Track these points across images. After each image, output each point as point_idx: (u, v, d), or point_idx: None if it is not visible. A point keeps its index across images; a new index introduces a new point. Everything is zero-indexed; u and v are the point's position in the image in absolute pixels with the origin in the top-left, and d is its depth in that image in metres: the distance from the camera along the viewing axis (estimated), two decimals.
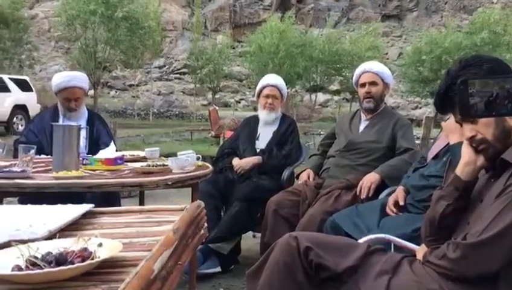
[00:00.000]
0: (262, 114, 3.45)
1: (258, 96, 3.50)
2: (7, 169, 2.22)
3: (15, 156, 2.68)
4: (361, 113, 3.11)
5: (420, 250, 1.68)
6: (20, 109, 14.43)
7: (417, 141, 6.16)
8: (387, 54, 36.19)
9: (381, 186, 2.71)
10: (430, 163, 2.37)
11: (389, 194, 2.49)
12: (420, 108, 28.58)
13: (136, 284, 0.79)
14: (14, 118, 14.32)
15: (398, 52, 37.16)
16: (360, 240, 1.89)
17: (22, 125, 13.92)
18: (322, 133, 14.63)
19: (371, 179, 2.73)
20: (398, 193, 2.39)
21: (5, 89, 14.21)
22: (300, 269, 1.50)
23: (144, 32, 22.63)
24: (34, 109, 14.10)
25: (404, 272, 1.49)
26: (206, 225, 1.39)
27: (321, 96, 29.95)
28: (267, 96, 3.42)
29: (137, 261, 0.92)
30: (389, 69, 3.26)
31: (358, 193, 2.73)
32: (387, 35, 39.57)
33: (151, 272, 0.85)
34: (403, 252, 1.74)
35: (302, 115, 25.86)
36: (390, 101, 29.42)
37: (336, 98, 31.12)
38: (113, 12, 21.22)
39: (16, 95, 14.37)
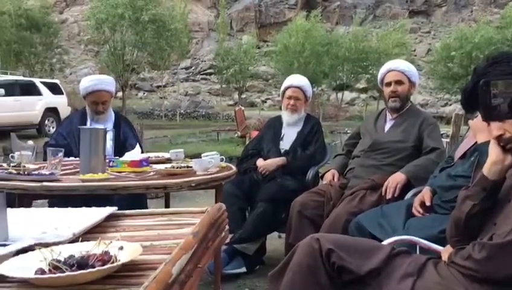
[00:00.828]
0: (285, 115, 3.45)
1: (282, 97, 3.49)
2: (36, 172, 2.28)
3: (45, 159, 2.74)
4: (387, 113, 3.07)
5: (445, 251, 1.65)
6: (51, 111, 14.78)
7: (446, 140, 6.05)
8: (415, 50, 35.59)
9: (407, 187, 2.67)
10: (457, 163, 2.33)
11: (415, 195, 2.45)
12: (450, 105, 27.99)
13: (154, 288, 0.80)
14: (46, 121, 14.68)
15: (426, 49, 36.48)
16: (385, 242, 1.87)
17: (53, 128, 14.25)
18: (348, 131, 14.48)
19: (396, 179, 2.69)
20: (425, 193, 2.35)
21: (37, 92, 14.58)
22: (322, 271, 1.49)
23: (171, 34, 22.88)
24: (64, 111, 14.41)
25: (429, 274, 1.46)
26: (227, 227, 1.39)
27: (348, 95, 29.68)
28: (290, 97, 3.41)
29: (157, 265, 0.93)
30: (417, 65, 3.21)
31: (383, 194, 2.69)
32: (415, 32, 38.91)
33: (170, 276, 0.86)
34: (429, 254, 1.71)
35: (329, 113, 25.69)
36: (419, 98, 28.96)
37: (362, 96, 30.77)
38: (140, 15, 21.53)
39: (47, 98, 14.72)
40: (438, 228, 2.02)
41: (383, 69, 3.04)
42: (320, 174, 3.26)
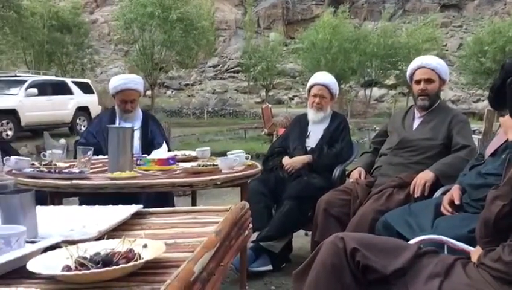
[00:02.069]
0: (311, 113, 3.42)
1: (308, 94, 3.48)
2: (67, 170, 2.34)
3: (75, 157, 2.80)
4: (415, 110, 3.01)
5: (475, 252, 1.61)
6: (82, 110, 15.11)
7: (478, 136, 5.90)
8: (446, 45, 34.86)
9: (435, 185, 2.62)
10: (487, 160, 2.27)
11: (444, 193, 2.40)
12: (482, 101, 27.31)
13: (176, 286, 0.81)
14: (77, 120, 15.00)
15: (458, 43, 35.65)
16: (412, 241, 1.84)
17: (84, 127, 14.55)
18: (377, 128, 14.30)
19: (425, 177, 2.65)
20: (454, 192, 2.30)
21: (69, 91, 14.92)
22: (347, 270, 1.47)
23: (198, 33, 23.03)
24: (95, 110, 14.71)
25: (456, 275, 1.43)
26: (251, 225, 1.39)
27: (376, 91, 29.30)
28: (315, 95, 3.38)
29: (181, 262, 0.94)
30: (449, 60, 3.14)
31: (411, 192, 2.64)
32: (446, 26, 38.07)
33: (192, 274, 0.87)
34: (457, 254, 1.67)
35: (357, 110, 25.42)
36: (450, 94, 28.37)
37: (392, 92, 30.33)
38: (168, 14, 21.75)
39: (78, 98, 15.05)
40: (467, 228, 1.98)
41: (412, 65, 2.97)
42: (346, 172, 3.23)
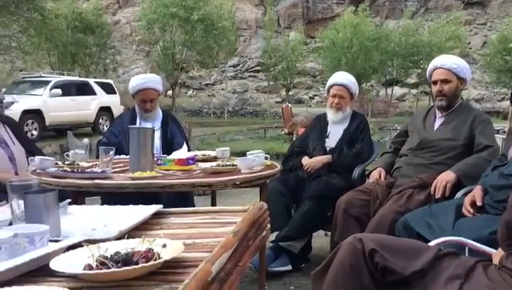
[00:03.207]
0: (330, 113, 3.41)
1: (328, 94, 3.47)
2: (89, 170, 2.38)
3: (98, 157, 2.85)
4: (436, 110, 2.98)
5: (497, 254, 1.59)
6: (105, 110, 15.32)
7: (502, 136, 5.78)
8: (469, 43, 34.28)
9: (457, 186, 2.58)
10: (510, 161, 2.23)
11: (466, 194, 2.37)
12: (507, 99, 26.78)
13: (193, 285, 0.82)
14: (100, 120, 15.23)
15: (482, 41, 35.02)
16: (432, 242, 1.82)
17: (106, 126, 14.75)
18: (398, 128, 14.15)
19: (446, 177, 2.61)
20: (476, 193, 2.27)
21: (92, 92, 15.16)
22: (365, 271, 1.47)
23: (219, 33, 23.14)
24: (117, 110, 14.89)
25: (477, 277, 1.41)
26: (269, 226, 1.40)
27: (398, 90, 29.00)
28: (334, 95, 3.37)
29: (198, 262, 0.95)
30: (472, 59, 3.08)
31: (432, 193, 2.61)
32: (469, 24, 37.42)
33: (209, 274, 0.88)
34: (478, 257, 1.65)
35: (378, 110, 25.19)
36: (474, 93, 27.90)
37: (413, 91, 29.99)
38: (189, 14, 21.90)
39: (101, 98, 15.27)
40: (489, 229, 1.95)
41: (430, 66, 2.96)
42: (366, 173, 3.21)
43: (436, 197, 2.58)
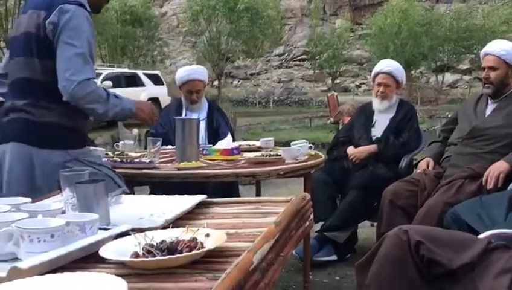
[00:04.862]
0: (375, 102, 3.35)
1: (373, 83, 3.41)
2: (137, 160, 2.45)
3: (146, 147, 2.93)
4: (488, 96, 2.86)
5: None
6: (153, 101, 15.66)
7: None
8: None
9: (510, 177, 2.48)
10: None
11: None
12: None
13: (235, 275, 0.84)
14: None
15: None
16: (483, 235, 1.76)
17: None
18: (449, 116, 13.74)
19: (499, 167, 2.51)
20: None
21: (140, 83, 15.56)
22: (411, 264, 1.45)
23: (264, 22, 23.16)
24: (165, 101, 15.19)
25: None
26: (311, 216, 1.40)
27: (449, 77, 28.03)
28: (379, 84, 3.30)
29: (241, 252, 0.97)
30: None
31: (484, 183, 2.52)
32: None
33: (251, 264, 0.90)
34: None
35: (428, 97, 24.49)
36: None
37: (466, 77, 28.88)
38: (235, 4, 22.00)
39: (149, 89, 15.65)
40: None
41: (481, 52, 2.85)
42: (414, 163, 3.14)
43: (488, 188, 2.49)
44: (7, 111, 1.91)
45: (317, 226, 3.03)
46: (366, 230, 3.47)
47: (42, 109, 1.84)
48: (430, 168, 2.89)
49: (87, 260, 1.04)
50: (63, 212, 1.29)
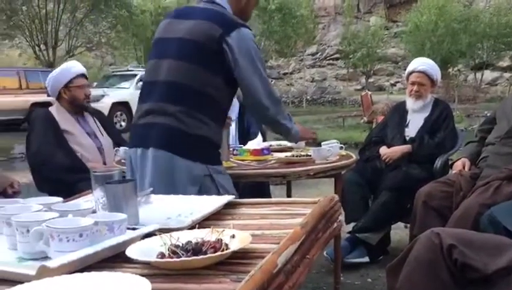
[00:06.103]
0: (409, 102, 3.28)
1: (407, 81, 3.34)
2: None
3: None
4: None
5: None
6: None
7: None
8: None
9: None
10: None
11: None
12: None
13: (259, 277, 0.83)
14: None
15: None
16: None
17: None
18: (488, 115, 13.34)
19: None
20: None
21: None
22: (443, 267, 1.41)
23: (297, 21, 23.08)
24: None
25: None
26: (340, 218, 1.38)
27: (488, 74, 27.19)
28: (413, 83, 3.23)
29: (266, 254, 0.96)
30: None
31: None
32: None
33: (275, 266, 0.89)
34: None
35: (466, 96, 23.82)
36: None
37: (506, 75, 27.94)
38: (267, 4, 22.00)
39: None
40: None
41: None
42: (450, 163, 3.06)
43: None
44: (149, 112, 1.84)
45: (349, 227, 2.99)
46: (399, 232, 3.41)
47: (195, 120, 1.79)
48: (466, 168, 2.81)
49: (115, 259, 1.05)
50: (94, 212, 1.31)
